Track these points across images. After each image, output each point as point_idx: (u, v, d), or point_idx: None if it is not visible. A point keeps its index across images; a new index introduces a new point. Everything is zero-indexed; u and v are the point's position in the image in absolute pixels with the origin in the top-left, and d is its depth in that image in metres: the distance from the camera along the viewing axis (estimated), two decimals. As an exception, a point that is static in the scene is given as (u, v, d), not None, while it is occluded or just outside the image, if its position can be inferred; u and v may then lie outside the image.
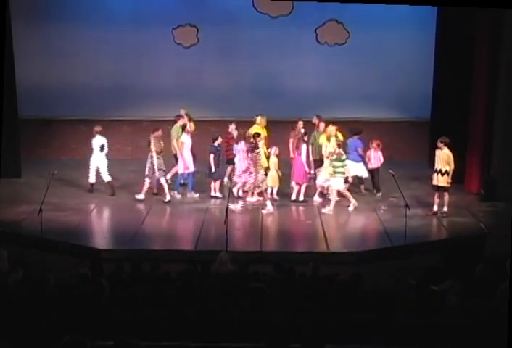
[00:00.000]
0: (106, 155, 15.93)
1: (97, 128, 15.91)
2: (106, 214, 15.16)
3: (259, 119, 16.03)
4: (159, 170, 15.27)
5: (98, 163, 15.79)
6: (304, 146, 15.45)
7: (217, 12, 18.42)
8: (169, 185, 15.66)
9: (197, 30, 18.65)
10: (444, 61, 17.57)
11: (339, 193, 14.89)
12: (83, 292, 8.55)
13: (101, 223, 14.70)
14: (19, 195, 16.25)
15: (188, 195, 15.74)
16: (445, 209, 14.57)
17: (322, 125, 15.82)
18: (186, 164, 15.68)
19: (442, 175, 14.37)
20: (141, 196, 15.45)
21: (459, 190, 15.55)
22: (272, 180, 15.41)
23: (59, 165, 17.73)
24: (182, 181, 16.06)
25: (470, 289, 8.80)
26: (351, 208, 14.87)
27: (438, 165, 14.42)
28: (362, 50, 18.55)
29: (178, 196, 15.60)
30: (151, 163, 15.31)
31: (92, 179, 15.88)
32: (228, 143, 16.11)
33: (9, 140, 16.55)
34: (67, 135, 18.88)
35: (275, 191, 15.63)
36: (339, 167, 14.78)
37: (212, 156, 15.53)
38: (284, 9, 18.46)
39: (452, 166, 14.36)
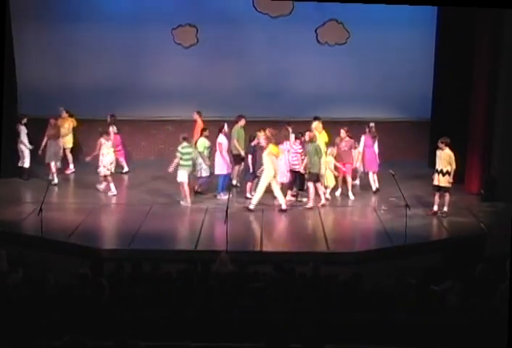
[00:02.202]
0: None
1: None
2: (106, 214, 15.14)
3: (315, 123, 15.94)
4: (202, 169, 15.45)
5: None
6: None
7: (217, 12, 18.40)
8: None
9: (197, 30, 18.64)
10: (444, 62, 17.56)
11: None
12: (83, 292, 8.55)
13: (101, 223, 14.69)
14: (19, 195, 16.28)
15: (218, 196, 15.59)
16: (445, 209, 14.57)
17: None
18: (224, 165, 15.62)
19: (443, 175, 14.37)
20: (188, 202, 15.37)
21: (459, 190, 15.54)
22: (329, 180, 15.52)
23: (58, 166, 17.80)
24: (235, 183, 16.22)
25: (470, 289, 8.80)
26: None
27: (439, 165, 14.42)
28: (363, 50, 18.54)
29: (225, 197, 15.12)
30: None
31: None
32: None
33: (9, 140, 16.61)
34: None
35: (329, 191, 15.63)
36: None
37: (250, 156, 15.56)
38: (284, 9, 18.45)
39: (454, 166, 14.36)
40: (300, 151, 15.33)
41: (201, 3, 18.49)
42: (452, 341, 7.43)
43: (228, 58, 18.73)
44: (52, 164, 16.41)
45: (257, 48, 18.71)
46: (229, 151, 15.89)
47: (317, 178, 14.97)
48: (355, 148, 16.07)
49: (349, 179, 15.80)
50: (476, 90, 16.08)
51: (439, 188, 14.52)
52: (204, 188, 15.90)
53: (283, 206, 14.83)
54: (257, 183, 15.16)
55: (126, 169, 17.59)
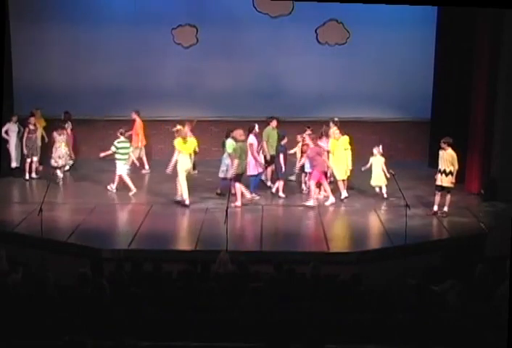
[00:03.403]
0: None
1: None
2: (106, 214, 15.13)
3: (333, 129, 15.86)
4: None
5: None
6: None
7: (217, 12, 18.41)
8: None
9: (197, 30, 18.64)
10: (444, 62, 17.58)
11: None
12: (83, 292, 8.54)
13: (101, 223, 14.67)
14: (20, 195, 16.28)
15: (249, 196, 15.45)
16: (446, 209, 14.56)
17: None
18: (255, 165, 15.55)
19: (446, 175, 14.36)
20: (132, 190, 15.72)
21: (459, 190, 15.53)
22: (378, 180, 15.61)
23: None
24: (269, 184, 16.24)
25: (470, 289, 8.79)
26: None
27: (442, 166, 14.41)
28: (363, 50, 18.55)
29: (257, 198, 15.34)
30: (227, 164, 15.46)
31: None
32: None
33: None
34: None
35: (384, 190, 15.62)
36: None
37: (281, 156, 15.61)
38: (284, 9, 18.45)
39: (456, 166, 14.35)
40: (327, 148, 15.53)
41: (202, 3, 18.50)
42: (452, 340, 7.42)
43: (228, 58, 18.73)
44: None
45: (257, 48, 18.71)
46: (259, 152, 15.83)
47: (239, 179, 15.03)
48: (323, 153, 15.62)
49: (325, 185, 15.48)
50: (476, 90, 16.07)
51: (441, 188, 14.51)
52: (225, 190, 15.69)
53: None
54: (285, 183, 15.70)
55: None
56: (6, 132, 16.95)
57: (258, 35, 18.66)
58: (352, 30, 18.55)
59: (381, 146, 15.83)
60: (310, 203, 15.14)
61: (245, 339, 7.31)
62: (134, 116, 17.50)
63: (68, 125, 17.47)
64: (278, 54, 18.64)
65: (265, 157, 15.88)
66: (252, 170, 15.50)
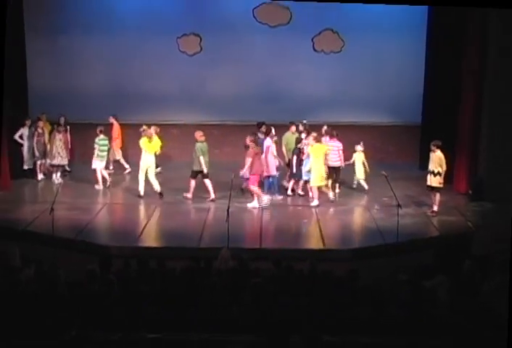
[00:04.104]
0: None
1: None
2: (114, 213, 15.12)
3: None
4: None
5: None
6: None
7: (220, 22, 18.41)
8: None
9: (200, 38, 18.67)
10: (434, 69, 17.59)
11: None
12: (92, 287, 8.54)
13: (109, 222, 14.67)
14: (33, 195, 16.28)
15: (273, 197, 15.46)
16: (435, 208, 14.56)
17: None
18: (273, 166, 15.60)
19: (435, 175, 14.36)
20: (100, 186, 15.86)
21: (448, 190, 15.51)
22: (359, 173, 16.07)
23: (69, 167, 17.82)
24: (285, 184, 16.17)
25: (458, 284, 8.79)
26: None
27: (431, 167, 14.42)
28: (357, 58, 18.55)
29: (280, 197, 15.55)
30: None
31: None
32: None
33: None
34: (77, 138, 18.81)
35: (364, 183, 16.02)
36: None
37: (295, 158, 15.66)
38: (283, 19, 18.48)
39: (444, 167, 14.35)
40: (341, 147, 15.61)
41: (205, 13, 18.51)
42: (442, 332, 7.41)
43: (229, 65, 18.75)
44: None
45: (257, 55, 18.73)
46: (276, 153, 15.86)
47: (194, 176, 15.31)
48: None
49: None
50: (464, 97, 16.09)
51: (431, 188, 14.52)
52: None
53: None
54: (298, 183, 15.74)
55: (129, 169, 17.74)
56: (21, 136, 16.95)
57: (258, 44, 18.69)
58: (347, 39, 18.55)
59: (362, 143, 16.13)
60: (314, 203, 15.12)
61: (246, 332, 7.29)
62: (112, 120, 17.59)
63: (65, 128, 17.35)
64: (277, 62, 18.65)
65: (282, 161, 15.94)
66: (270, 170, 15.56)
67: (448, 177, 15.11)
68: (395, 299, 8.30)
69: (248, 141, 15.27)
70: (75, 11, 18.40)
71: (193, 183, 15.43)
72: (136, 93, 18.63)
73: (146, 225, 14.00)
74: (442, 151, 14.36)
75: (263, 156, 15.33)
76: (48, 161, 16.88)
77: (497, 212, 14.43)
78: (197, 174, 15.39)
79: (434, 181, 14.38)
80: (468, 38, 15.89)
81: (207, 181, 15.41)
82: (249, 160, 15.11)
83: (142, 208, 15.23)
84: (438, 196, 14.51)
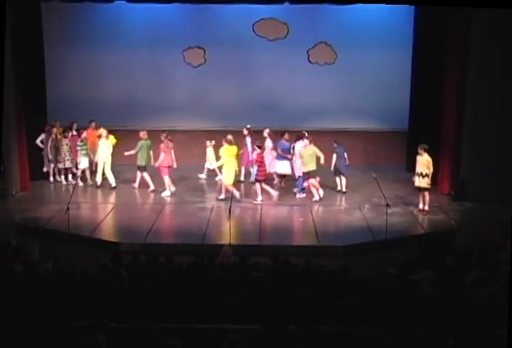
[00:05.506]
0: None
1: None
2: (124, 212, 15.13)
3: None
4: None
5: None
6: None
7: (222, 36, 18.42)
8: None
9: (204, 51, 18.68)
10: (419, 80, 17.64)
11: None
12: (104, 280, 8.55)
13: (120, 220, 14.68)
14: (51, 195, 16.30)
15: (298, 195, 15.81)
16: (426, 208, 14.58)
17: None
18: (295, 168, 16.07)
19: (423, 177, 14.39)
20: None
21: (433, 190, 15.46)
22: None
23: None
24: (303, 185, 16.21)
25: (442, 278, 8.81)
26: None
27: (419, 169, 14.44)
28: (349, 69, 18.58)
29: (303, 195, 15.74)
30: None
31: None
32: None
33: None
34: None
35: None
36: None
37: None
38: (280, 33, 18.51)
39: (431, 169, 14.39)
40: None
41: (209, 28, 18.52)
42: (427, 320, 7.42)
43: (231, 76, 18.77)
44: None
45: (256, 67, 18.75)
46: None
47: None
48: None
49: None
50: (447, 104, 16.13)
51: (419, 189, 14.54)
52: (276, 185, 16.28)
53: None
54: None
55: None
56: (42, 141, 16.99)
57: (257, 56, 18.69)
58: (339, 51, 18.56)
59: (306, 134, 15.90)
60: (316, 198, 15.29)
61: (246, 321, 7.31)
62: (93, 125, 17.42)
63: (71, 132, 17.19)
64: (275, 72, 18.66)
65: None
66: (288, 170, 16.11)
67: (433, 178, 15.13)
68: (384, 292, 8.31)
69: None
70: (89, 26, 18.38)
71: (139, 175, 16.18)
72: (145, 102, 18.65)
73: (154, 223, 14.01)
74: (429, 154, 14.39)
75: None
76: (59, 164, 16.93)
77: (478, 211, 14.47)
78: (143, 168, 15.99)
79: (422, 182, 14.40)
80: (450, 50, 15.92)
81: (146, 174, 16.03)
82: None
83: (151, 208, 15.24)
84: (427, 195, 14.53)
